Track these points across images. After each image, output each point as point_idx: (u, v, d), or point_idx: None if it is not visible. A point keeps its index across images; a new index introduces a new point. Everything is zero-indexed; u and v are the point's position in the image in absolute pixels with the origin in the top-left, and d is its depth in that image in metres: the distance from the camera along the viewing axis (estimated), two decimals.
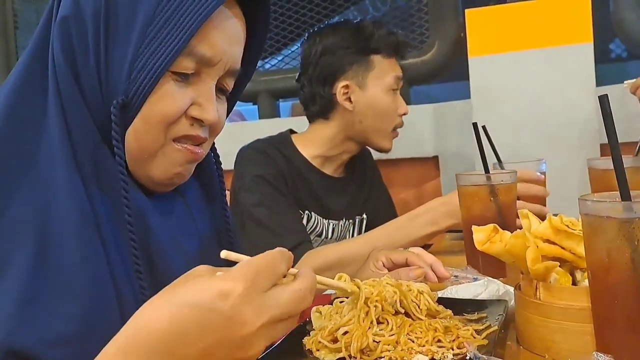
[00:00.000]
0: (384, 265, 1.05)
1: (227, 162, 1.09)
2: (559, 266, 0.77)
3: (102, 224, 0.68)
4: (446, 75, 2.48)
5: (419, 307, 0.78)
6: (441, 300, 0.85)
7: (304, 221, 1.56)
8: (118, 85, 0.69)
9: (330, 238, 1.61)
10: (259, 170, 1.51)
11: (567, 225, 0.78)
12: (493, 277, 0.98)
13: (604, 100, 0.64)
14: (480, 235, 0.84)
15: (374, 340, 0.71)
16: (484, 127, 1.23)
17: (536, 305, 0.75)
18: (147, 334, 0.51)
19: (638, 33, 2.06)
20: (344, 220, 1.65)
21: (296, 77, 1.69)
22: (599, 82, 1.84)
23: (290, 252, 0.58)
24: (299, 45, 1.68)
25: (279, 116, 2.68)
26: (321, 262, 1.32)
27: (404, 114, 1.63)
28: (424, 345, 0.71)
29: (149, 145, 0.71)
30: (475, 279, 0.99)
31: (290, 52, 2.69)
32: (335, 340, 0.73)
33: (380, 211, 1.74)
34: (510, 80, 1.90)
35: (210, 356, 0.52)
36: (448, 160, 2.16)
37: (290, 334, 0.82)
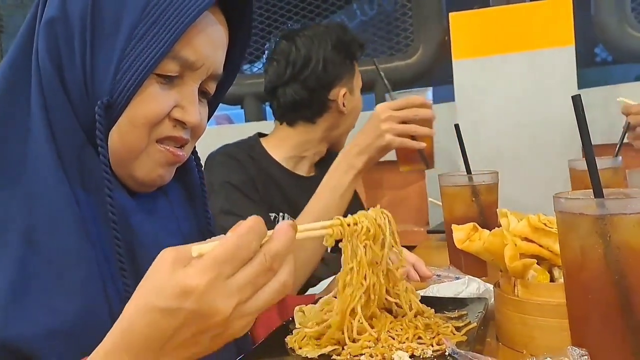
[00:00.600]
0: None
1: None
2: (537, 264, 0.79)
3: (87, 223, 0.69)
4: (433, 79, 2.50)
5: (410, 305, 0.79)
6: (423, 299, 0.85)
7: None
8: (103, 86, 0.70)
9: None
10: (227, 176, 1.50)
11: (545, 224, 0.79)
12: (475, 276, 1.00)
13: (577, 100, 0.66)
14: (460, 233, 0.85)
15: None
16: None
17: (514, 302, 0.76)
18: (131, 335, 0.54)
19: (618, 37, 2.09)
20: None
21: (277, 79, 1.62)
22: (583, 85, 1.87)
23: (262, 221, 0.57)
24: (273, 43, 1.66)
25: (266, 119, 2.69)
26: None
27: None
28: (404, 342, 0.72)
29: (132, 145, 0.72)
30: (457, 278, 1.01)
31: None
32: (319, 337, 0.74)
33: (350, 212, 1.74)
34: (493, 82, 1.92)
35: (196, 344, 0.55)
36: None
37: (273, 333, 0.83)
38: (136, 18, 0.69)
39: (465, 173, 1.21)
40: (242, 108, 2.72)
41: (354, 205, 1.81)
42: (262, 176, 1.55)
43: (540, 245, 0.80)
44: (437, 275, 1.06)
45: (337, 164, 1.33)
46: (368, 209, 0.77)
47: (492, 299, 0.85)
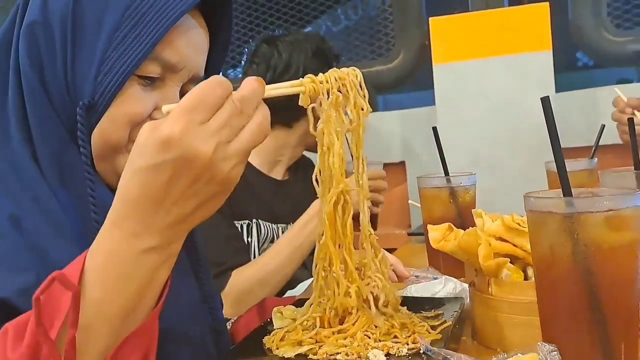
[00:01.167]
0: None
1: None
2: (512, 263, 0.80)
3: (69, 222, 0.70)
4: (414, 84, 2.52)
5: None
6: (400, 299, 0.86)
7: (253, 231, 1.55)
8: (85, 88, 0.70)
9: None
10: None
11: (519, 224, 0.81)
12: (452, 277, 1.01)
13: (546, 102, 0.67)
14: (435, 233, 0.86)
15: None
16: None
17: (488, 300, 0.78)
18: (129, 200, 0.57)
19: (596, 41, 2.13)
20: (292, 223, 1.65)
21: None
22: (566, 89, 1.90)
23: (225, 79, 0.60)
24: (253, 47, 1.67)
25: None
26: (245, 286, 1.37)
27: None
28: (380, 341, 0.73)
29: (114, 142, 0.73)
30: (435, 279, 1.02)
31: None
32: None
33: None
34: (473, 86, 1.94)
35: (195, 195, 0.58)
36: (414, 165, 2.19)
37: (251, 334, 0.83)
38: (117, 20, 0.70)
39: (444, 175, 1.23)
40: None
41: None
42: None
43: (514, 245, 0.81)
44: (415, 276, 1.07)
45: (309, 217, 1.42)
46: None
47: (469, 299, 0.86)
